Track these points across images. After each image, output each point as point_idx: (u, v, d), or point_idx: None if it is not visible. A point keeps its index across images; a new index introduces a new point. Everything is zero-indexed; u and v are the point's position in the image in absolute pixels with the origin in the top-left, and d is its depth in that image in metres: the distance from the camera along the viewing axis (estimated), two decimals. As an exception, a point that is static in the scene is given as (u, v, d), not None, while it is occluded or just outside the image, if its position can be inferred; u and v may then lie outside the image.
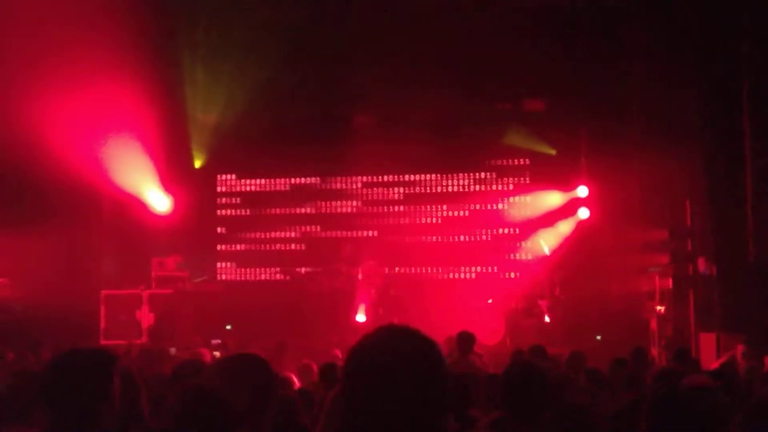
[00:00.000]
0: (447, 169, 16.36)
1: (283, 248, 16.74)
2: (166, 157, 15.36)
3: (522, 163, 16.16)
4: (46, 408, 2.82)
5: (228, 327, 14.44)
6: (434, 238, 16.27)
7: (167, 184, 15.74)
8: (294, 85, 14.73)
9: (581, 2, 14.08)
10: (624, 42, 14.30)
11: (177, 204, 15.96)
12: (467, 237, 16.19)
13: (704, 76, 12.22)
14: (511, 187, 16.18)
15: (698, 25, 12.17)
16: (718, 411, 3.07)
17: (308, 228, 16.76)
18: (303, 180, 16.85)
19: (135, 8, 12.79)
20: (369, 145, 15.56)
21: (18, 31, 11.81)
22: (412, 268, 16.11)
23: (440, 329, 10.53)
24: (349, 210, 16.72)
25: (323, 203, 16.77)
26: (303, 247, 16.69)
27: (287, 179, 16.89)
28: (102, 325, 13.77)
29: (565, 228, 15.49)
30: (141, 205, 15.51)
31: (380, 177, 16.64)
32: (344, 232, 16.48)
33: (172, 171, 15.74)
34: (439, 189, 16.45)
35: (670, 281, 12.71)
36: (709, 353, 10.89)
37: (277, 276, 16.48)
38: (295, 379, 6.87)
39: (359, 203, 16.71)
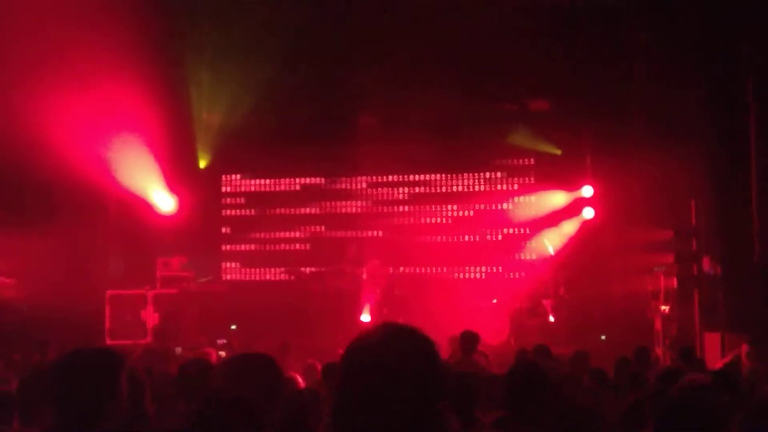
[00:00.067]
0: (451, 169, 16.35)
1: (287, 248, 16.75)
2: (170, 158, 15.38)
3: (527, 163, 16.15)
4: (53, 407, 2.82)
5: (233, 327, 14.46)
6: (439, 238, 16.27)
7: (172, 185, 15.77)
8: (299, 86, 14.75)
9: (585, 2, 14.07)
10: (628, 42, 14.28)
11: (182, 204, 15.98)
12: (472, 237, 16.18)
13: (708, 76, 12.21)
14: (515, 187, 16.17)
15: (701, 25, 12.16)
16: (716, 410, 3.07)
17: (313, 228, 16.77)
18: (308, 180, 16.87)
19: (140, 9, 12.81)
20: (373, 146, 15.59)
21: (23, 32, 11.83)
22: (417, 268, 16.11)
23: (445, 329, 10.55)
24: (353, 210, 16.73)
25: (328, 203, 16.78)
26: (308, 247, 16.71)
27: (292, 179, 16.91)
28: (107, 325, 13.79)
29: (569, 228, 15.48)
30: (146, 206, 15.53)
31: (384, 177, 16.64)
32: (349, 232, 16.49)
33: (177, 171, 15.76)
34: (443, 189, 16.45)
35: (675, 281, 12.68)
36: (714, 353, 10.87)
37: (282, 276, 16.50)
38: (300, 380, 6.88)
39: (364, 203, 16.71)
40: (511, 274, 15.84)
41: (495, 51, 13.60)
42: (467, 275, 16.06)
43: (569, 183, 15.54)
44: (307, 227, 16.79)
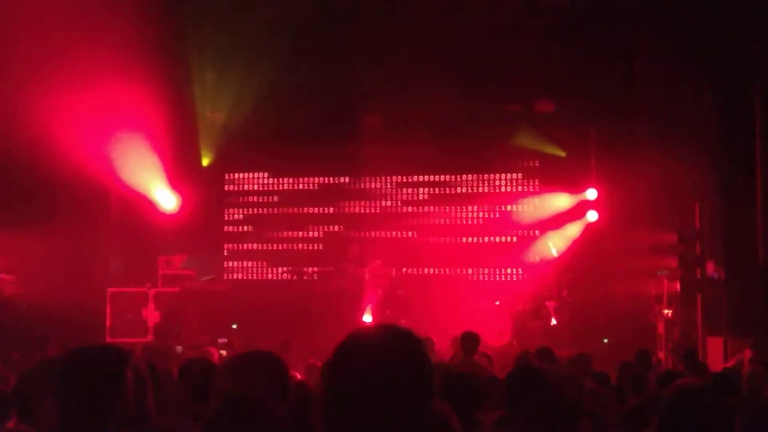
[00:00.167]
0: (455, 170, 16.30)
1: (290, 248, 16.73)
2: (173, 156, 15.38)
3: (532, 164, 16.10)
4: (57, 405, 2.78)
5: (234, 326, 14.45)
6: (441, 238, 16.24)
7: (175, 183, 15.76)
8: (302, 85, 14.74)
9: (591, 3, 14.04)
10: (633, 43, 14.26)
11: (184, 202, 15.98)
12: (475, 238, 16.15)
13: (714, 78, 12.17)
14: (520, 188, 16.13)
15: (708, 26, 12.11)
16: (714, 413, 3.04)
17: (315, 227, 16.75)
18: (310, 179, 16.85)
19: (144, 9, 12.81)
20: (376, 146, 15.57)
21: (27, 31, 11.83)
22: (419, 269, 16.08)
23: (447, 330, 10.54)
24: (356, 210, 16.70)
25: (330, 203, 16.76)
26: (310, 247, 16.69)
27: (294, 178, 16.89)
28: (108, 323, 13.74)
29: (573, 230, 15.44)
30: (148, 204, 15.53)
31: (388, 178, 16.61)
32: (351, 232, 16.47)
33: (180, 169, 15.76)
34: (447, 190, 16.41)
35: (678, 284, 12.64)
36: (717, 357, 10.83)
37: (284, 275, 16.48)
38: (299, 377, 6.86)
39: (366, 203, 16.69)
40: (514, 275, 15.80)
41: (498, 51, 13.58)
42: (470, 276, 16.02)
43: (574, 185, 15.51)
44: (310, 227, 16.76)
